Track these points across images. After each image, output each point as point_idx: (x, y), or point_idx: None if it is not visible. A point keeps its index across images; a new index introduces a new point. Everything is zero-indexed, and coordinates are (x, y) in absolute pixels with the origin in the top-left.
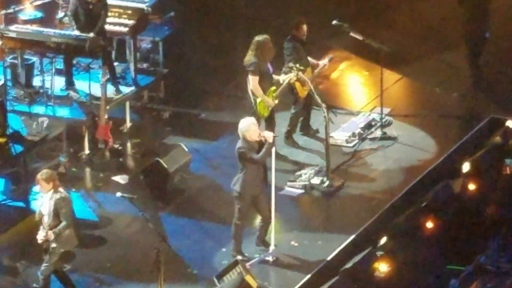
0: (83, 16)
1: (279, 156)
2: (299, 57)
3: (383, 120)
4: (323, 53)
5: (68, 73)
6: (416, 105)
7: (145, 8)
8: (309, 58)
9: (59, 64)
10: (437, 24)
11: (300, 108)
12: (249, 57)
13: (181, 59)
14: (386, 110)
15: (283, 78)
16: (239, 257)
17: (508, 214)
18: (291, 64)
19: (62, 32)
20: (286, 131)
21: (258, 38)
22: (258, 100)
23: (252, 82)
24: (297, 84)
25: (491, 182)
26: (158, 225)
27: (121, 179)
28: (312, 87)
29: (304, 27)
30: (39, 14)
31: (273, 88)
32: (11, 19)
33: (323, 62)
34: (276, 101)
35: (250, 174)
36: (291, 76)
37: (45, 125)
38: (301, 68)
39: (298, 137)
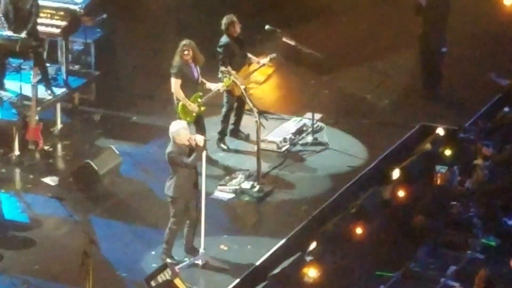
0: (13, 15)
1: (210, 160)
2: (232, 55)
3: (314, 126)
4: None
5: None
6: (347, 111)
7: (78, 9)
8: (250, 55)
9: None
10: (370, 31)
11: (230, 108)
12: (174, 60)
13: (113, 61)
14: (318, 116)
15: (214, 87)
16: (168, 260)
17: (436, 223)
18: (222, 69)
19: None
20: (218, 132)
21: (184, 42)
22: (180, 104)
23: (173, 85)
24: (231, 85)
25: (421, 189)
26: (87, 227)
27: (51, 180)
28: (244, 91)
29: (237, 24)
30: None
31: (199, 93)
32: None
33: (264, 60)
34: (203, 108)
35: (182, 178)
36: (221, 85)
37: None
38: (234, 76)
39: (229, 141)
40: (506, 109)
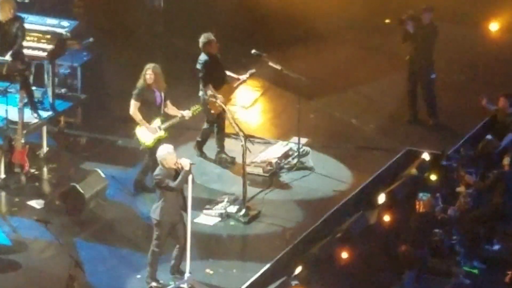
0: (0, 38)
1: (196, 184)
2: (212, 72)
3: (300, 150)
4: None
5: None
6: (333, 136)
7: (64, 33)
8: (229, 73)
9: None
10: (357, 56)
11: (211, 124)
12: (138, 83)
13: (99, 85)
14: (304, 140)
15: (182, 113)
16: (153, 284)
17: (419, 251)
18: (207, 92)
19: None
20: (196, 142)
21: (148, 65)
22: (138, 127)
23: (131, 107)
24: (210, 102)
25: (406, 215)
26: (73, 251)
27: (36, 204)
28: (230, 115)
29: (214, 42)
30: None
31: (160, 118)
32: None
33: (243, 77)
34: (164, 133)
35: (169, 201)
36: (187, 112)
37: None
38: (199, 109)
39: (215, 166)
40: (488, 136)
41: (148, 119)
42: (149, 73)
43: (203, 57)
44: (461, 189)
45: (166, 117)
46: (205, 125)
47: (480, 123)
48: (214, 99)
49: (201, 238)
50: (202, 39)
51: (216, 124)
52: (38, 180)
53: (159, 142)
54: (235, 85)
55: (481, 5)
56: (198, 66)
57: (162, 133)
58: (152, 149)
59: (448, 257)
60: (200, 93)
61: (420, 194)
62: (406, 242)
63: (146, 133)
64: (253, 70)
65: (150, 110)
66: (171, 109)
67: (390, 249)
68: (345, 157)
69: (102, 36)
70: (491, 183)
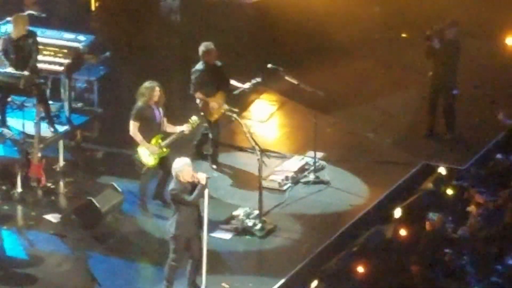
0: (14, 54)
1: (212, 198)
2: (203, 81)
3: (316, 164)
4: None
5: (1, 111)
6: (350, 150)
7: (81, 47)
8: (233, 82)
9: None
10: (373, 70)
11: (215, 133)
12: (140, 101)
13: (116, 99)
14: (320, 154)
15: (181, 129)
16: None
17: (431, 272)
18: (193, 119)
19: None
20: (209, 156)
21: (146, 84)
22: (139, 148)
23: (131, 127)
24: (204, 109)
25: (420, 230)
26: (89, 264)
27: (53, 217)
28: (247, 130)
29: (213, 52)
30: None
31: (160, 136)
32: None
33: (246, 85)
34: (165, 150)
35: (184, 215)
36: (186, 127)
37: None
38: (197, 122)
39: (229, 180)
40: (499, 155)
41: (150, 137)
42: (157, 89)
43: (199, 66)
44: (471, 208)
45: (165, 134)
46: (210, 136)
47: (492, 141)
48: (195, 121)
49: (217, 252)
50: (201, 48)
51: (209, 129)
52: (55, 194)
53: (161, 160)
54: (236, 92)
55: (499, 19)
56: (191, 75)
57: (163, 151)
58: (161, 167)
59: (459, 277)
60: (197, 100)
61: (430, 214)
62: (417, 261)
63: (148, 153)
64: (258, 80)
65: (151, 128)
66: (168, 127)
67: (406, 262)
68: (361, 171)
69: (119, 50)
70: (502, 202)
